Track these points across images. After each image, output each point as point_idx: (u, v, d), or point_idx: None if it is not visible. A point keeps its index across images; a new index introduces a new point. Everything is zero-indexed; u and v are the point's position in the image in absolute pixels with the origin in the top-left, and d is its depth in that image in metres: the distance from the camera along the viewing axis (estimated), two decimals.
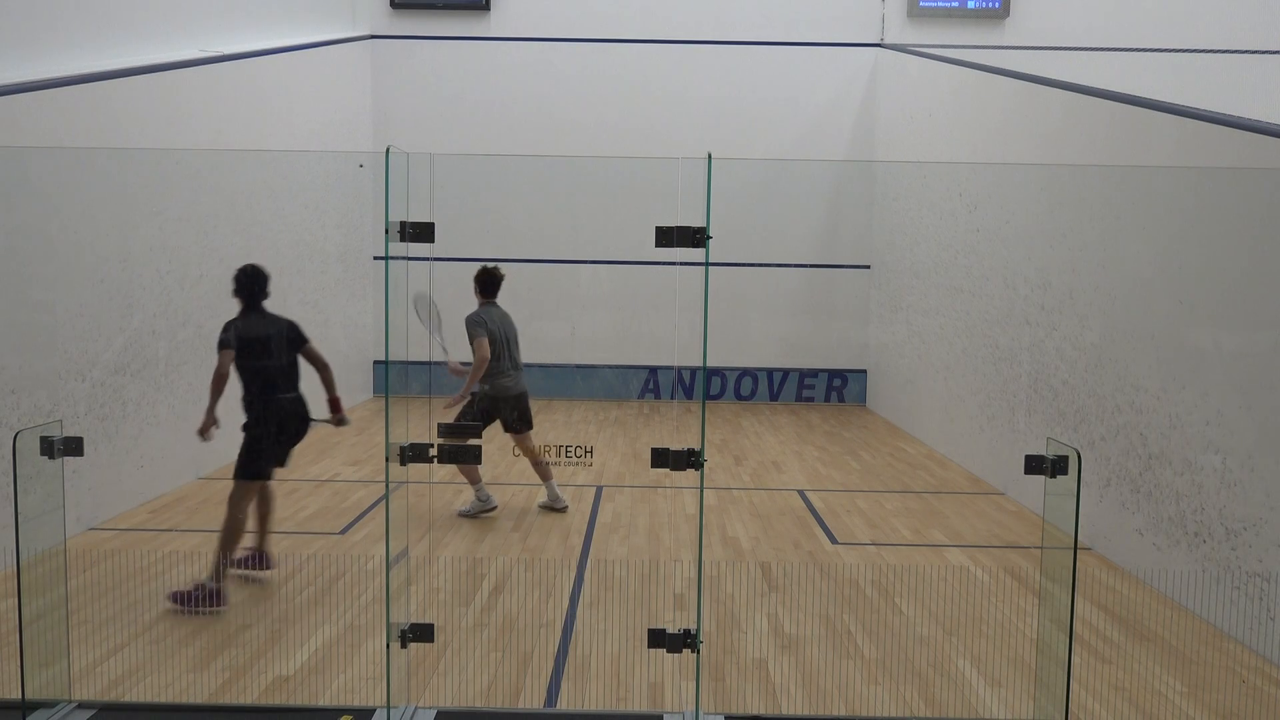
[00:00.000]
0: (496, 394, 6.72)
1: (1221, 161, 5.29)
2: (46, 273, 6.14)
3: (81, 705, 3.91)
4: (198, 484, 7.64)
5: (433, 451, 3.89)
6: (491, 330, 6.65)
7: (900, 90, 11.67)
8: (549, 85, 12.62)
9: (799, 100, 12.66)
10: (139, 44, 7.83)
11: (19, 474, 3.57)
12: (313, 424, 5.52)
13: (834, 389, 12.85)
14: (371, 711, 3.92)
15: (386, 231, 3.63)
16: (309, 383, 5.52)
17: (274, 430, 5.40)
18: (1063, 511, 3.46)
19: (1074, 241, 6.85)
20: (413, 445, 3.83)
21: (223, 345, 5.24)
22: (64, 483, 3.80)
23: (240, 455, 5.41)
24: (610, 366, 12.71)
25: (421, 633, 3.92)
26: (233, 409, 5.32)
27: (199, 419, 5.29)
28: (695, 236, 3.66)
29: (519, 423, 6.84)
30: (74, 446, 3.70)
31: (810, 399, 12.85)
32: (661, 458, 3.73)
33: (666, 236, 3.67)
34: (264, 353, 5.35)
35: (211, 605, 5.03)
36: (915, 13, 12.41)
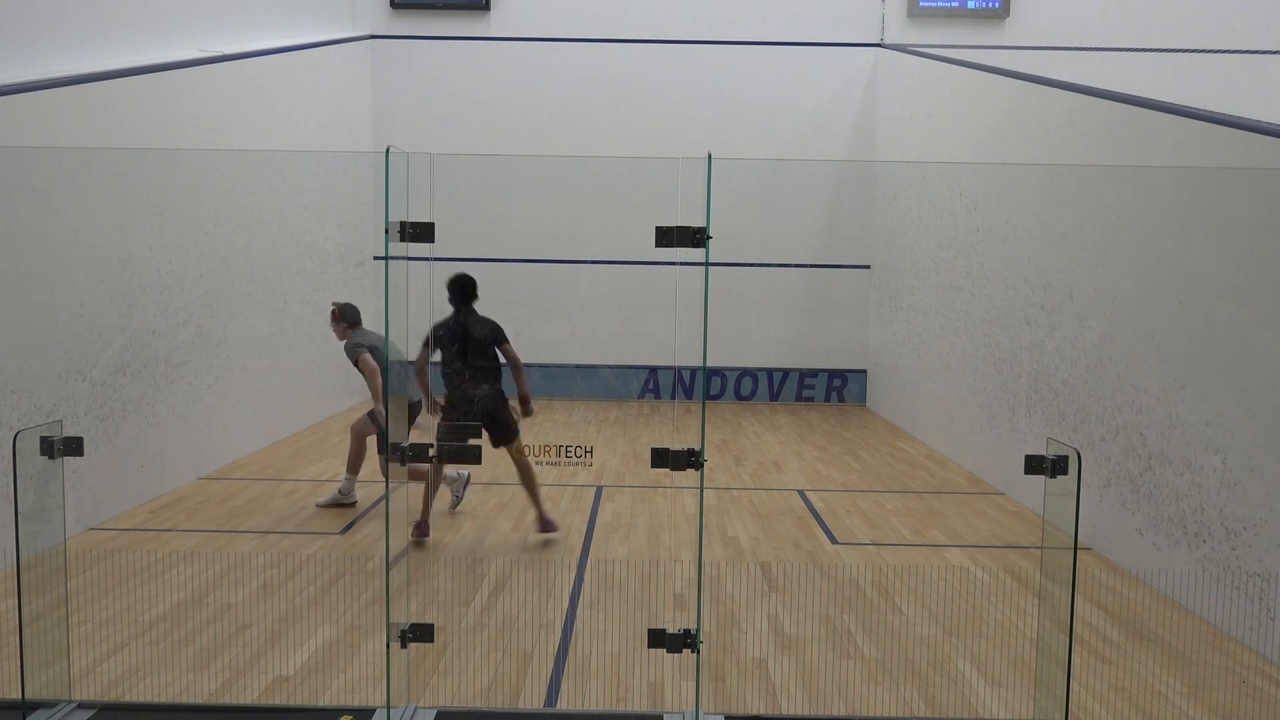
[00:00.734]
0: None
1: (1221, 161, 5.29)
2: (46, 273, 6.13)
3: (81, 705, 3.91)
4: (198, 484, 7.64)
5: (432, 452, 3.88)
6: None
7: (900, 90, 11.66)
8: (549, 85, 12.62)
9: (799, 100, 12.66)
10: (139, 44, 7.83)
11: (19, 474, 3.57)
12: None
13: (834, 389, 12.85)
14: (371, 711, 3.92)
15: (386, 231, 3.62)
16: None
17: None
18: (1063, 511, 3.46)
19: (1074, 241, 6.85)
20: (413, 445, 3.83)
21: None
22: (64, 483, 3.80)
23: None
24: (610, 366, 12.71)
25: (421, 633, 3.92)
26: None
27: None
28: (695, 236, 3.66)
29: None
30: (74, 446, 3.70)
31: (810, 399, 12.85)
32: (661, 458, 3.73)
33: (666, 236, 3.67)
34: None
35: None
36: (915, 13, 12.41)
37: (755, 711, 4.05)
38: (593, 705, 4.09)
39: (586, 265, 12.55)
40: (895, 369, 11.55)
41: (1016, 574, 5.92)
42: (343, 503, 7.10)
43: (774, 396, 12.83)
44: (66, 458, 3.72)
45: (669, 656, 4.35)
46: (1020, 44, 12.26)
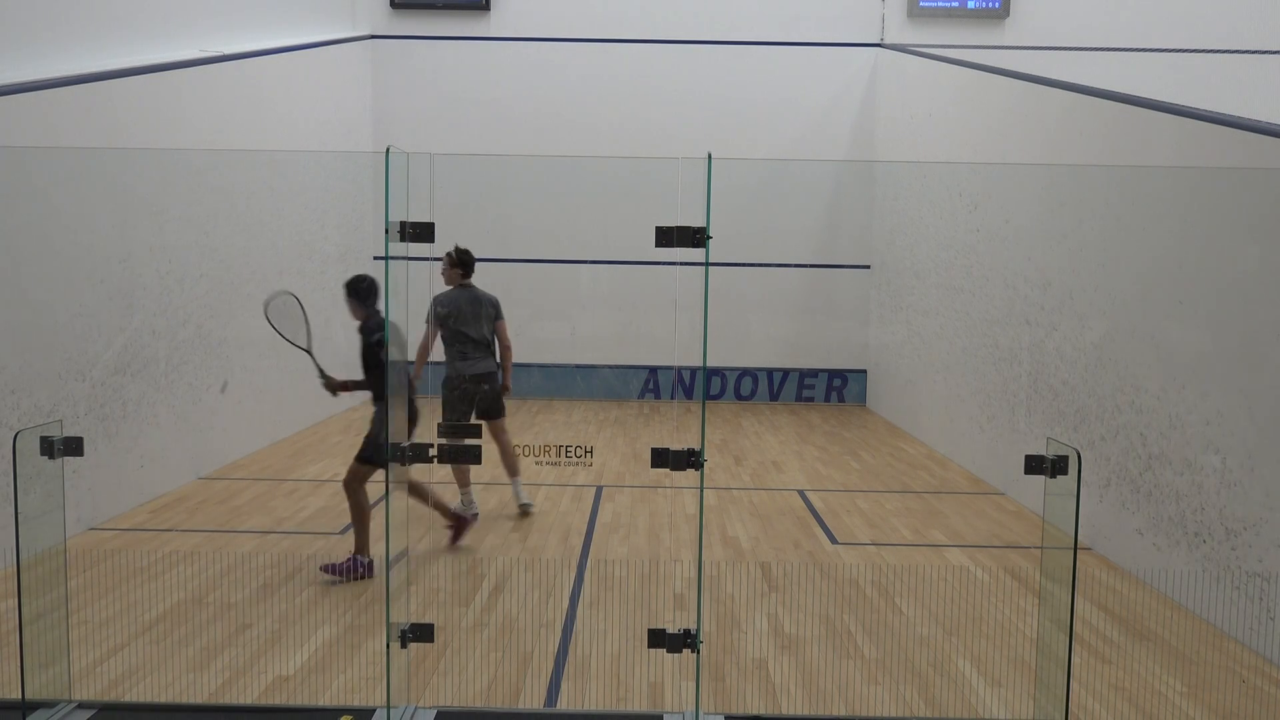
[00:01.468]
0: (451, 378, 6.63)
1: (1221, 161, 5.29)
2: (46, 273, 6.13)
3: (81, 705, 3.91)
4: (198, 484, 7.64)
5: (433, 451, 3.88)
6: (440, 314, 6.57)
7: (900, 90, 11.66)
8: (549, 85, 12.62)
9: (799, 100, 12.66)
10: (139, 44, 7.83)
11: (19, 474, 3.57)
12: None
13: (834, 389, 12.85)
14: (371, 711, 3.92)
15: (386, 231, 3.62)
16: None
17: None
18: (1063, 511, 3.46)
19: (1074, 241, 6.85)
20: (413, 445, 3.83)
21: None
22: (64, 483, 3.80)
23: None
24: (610, 366, 12.71)
25: (421, 633, 3.92)
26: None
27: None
28: (695, 236, 3.66)
29: (484, 403, 6.68)
30: (74, 446, 3.70)
31: (810, 399, 12.85)
32: (661, 458, 3.73)
33: (666, 236, 3.67)
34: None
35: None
36: (915, 13, 12.42)
37: (755, 711, 4.05)
38: (593, 705, 4.09)
39: (586, 265, 12.55)
40: (895, 369, 11.55)
41: (1016, 574, 5.92)
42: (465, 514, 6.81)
43: (774, 396, 12.83)
44: (66, 458, 3.72)
45: (669, 656, 4.36)
46: (1020, 44, 12.26)
